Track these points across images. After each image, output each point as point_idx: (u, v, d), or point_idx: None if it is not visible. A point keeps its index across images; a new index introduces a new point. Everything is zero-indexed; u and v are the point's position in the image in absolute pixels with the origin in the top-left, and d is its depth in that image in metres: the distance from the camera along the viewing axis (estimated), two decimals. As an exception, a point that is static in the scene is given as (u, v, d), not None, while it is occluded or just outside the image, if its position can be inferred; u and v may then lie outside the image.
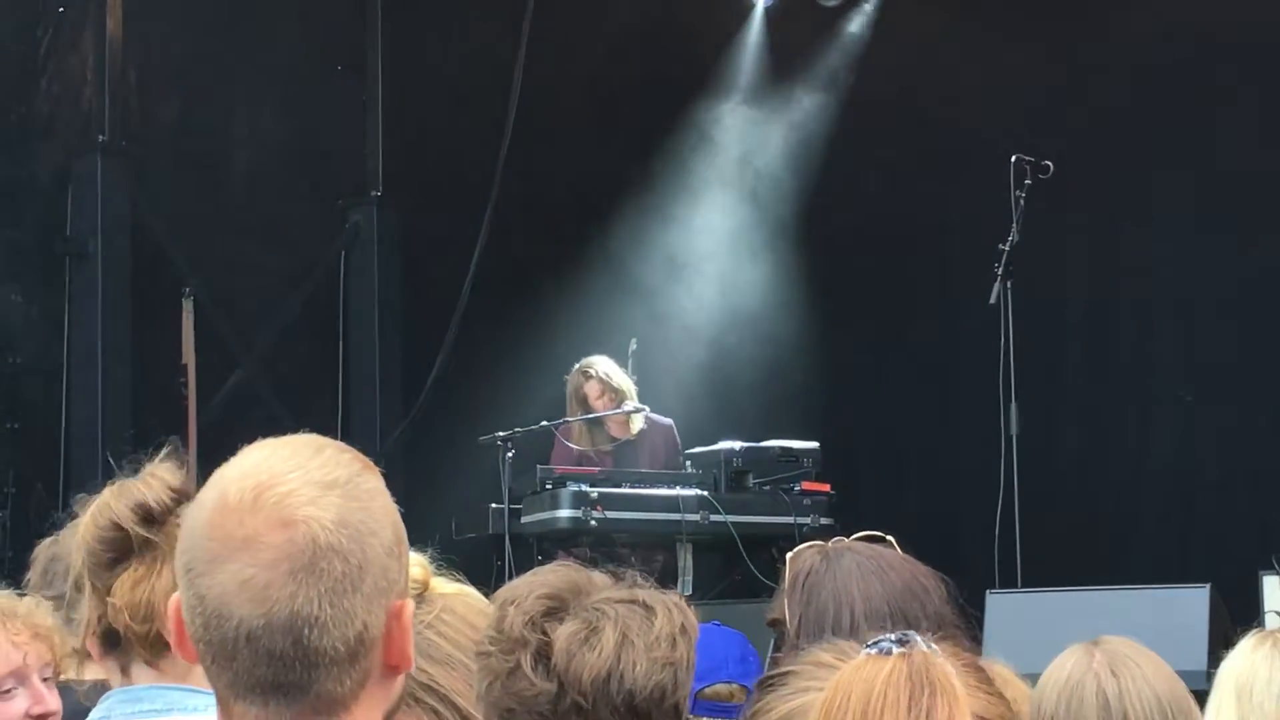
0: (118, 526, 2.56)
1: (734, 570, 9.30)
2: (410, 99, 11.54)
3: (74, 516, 2.66)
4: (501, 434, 9.21)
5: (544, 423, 9.43)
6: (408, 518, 1.87)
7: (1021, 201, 9.07)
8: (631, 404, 9.48)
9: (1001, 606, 7.72)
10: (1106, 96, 10.94)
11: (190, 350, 10.04)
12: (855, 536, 3.00)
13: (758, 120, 11.83)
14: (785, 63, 11.83)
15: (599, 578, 2.47)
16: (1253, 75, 10.47)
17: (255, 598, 1.76)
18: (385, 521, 1.83)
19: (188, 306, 10.12)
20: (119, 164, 10.54)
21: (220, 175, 11.21)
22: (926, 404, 11.47)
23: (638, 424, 9.56)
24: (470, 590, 2.57)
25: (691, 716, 2.57)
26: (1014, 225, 9.04)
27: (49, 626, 3.36)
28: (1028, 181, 9.09)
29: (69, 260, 10.46)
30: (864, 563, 2.90)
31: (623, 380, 9.49)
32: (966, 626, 2.92)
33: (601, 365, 9.47)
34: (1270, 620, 7.59)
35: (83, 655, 2.63)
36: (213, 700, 1.84)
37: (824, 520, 9.38)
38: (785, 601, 2.90)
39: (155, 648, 2.55)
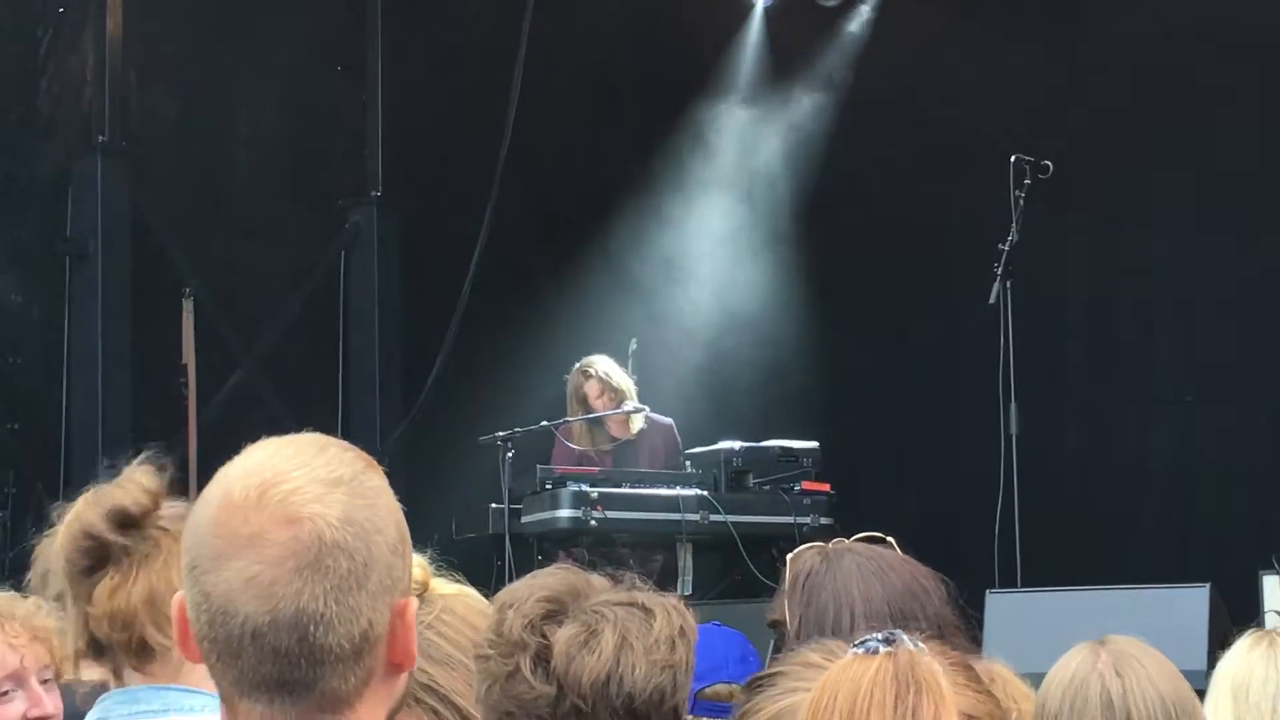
0: (91, 535, 2.54)
1: (734, 570, 9.30)
2: (410, 99, 11.54)
3: (52, 525, 2.65)
4: (501, 434, 9.21)
5: (544, 423, 9.44)
6: (408, 517, 1.87)
7: (1021, 201, 9.07)
8: (631, 404, 9.48)
9: (1001, 606, 7.72)
10: (1106, 96, 10.94)
11: (190, 350, 10.03)
12: (855, 537, 3.00)
13: (757, 120, 11.83)
14: (785, 63, 11.83)
15: (598, 580, 2.48)
16: (1253, 75, 10.47)
17: (261, 595, 1.76)
18: (389, 519, 1.83)
19: (188, 306, 10.12)
20: (119, 164, 10.54)
21: (220, 175, 11.22)
22: (926, 404, 11.47)
23: (638, 424, 9.56)
24: (470, 591, 2.57)
25: (691, 717, 2.57)
26: (1014, 225, 9.04)
27: (48, 628, 3.35)
28: (1027, 181, 9.09)
29: (69, 260, 10.47)
30: (864, 564, 2.90)
31: (623, 380, 9.49)
32: (967, 627, 2.92)
33: (601, 365, 9.47)
34: (1270, 620, 7.59)
35: (80, 656, 2.63)
36: (210, 700, 1.85)
37: (824, 520, 9.38)
38: (785, 602, 2.90)
39: (139, 654, 2.54)
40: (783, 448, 9.67)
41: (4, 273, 10.29)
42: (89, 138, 10.48)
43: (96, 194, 10.41)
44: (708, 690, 4.32)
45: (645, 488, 9.22)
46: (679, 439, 9.72)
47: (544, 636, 2.39)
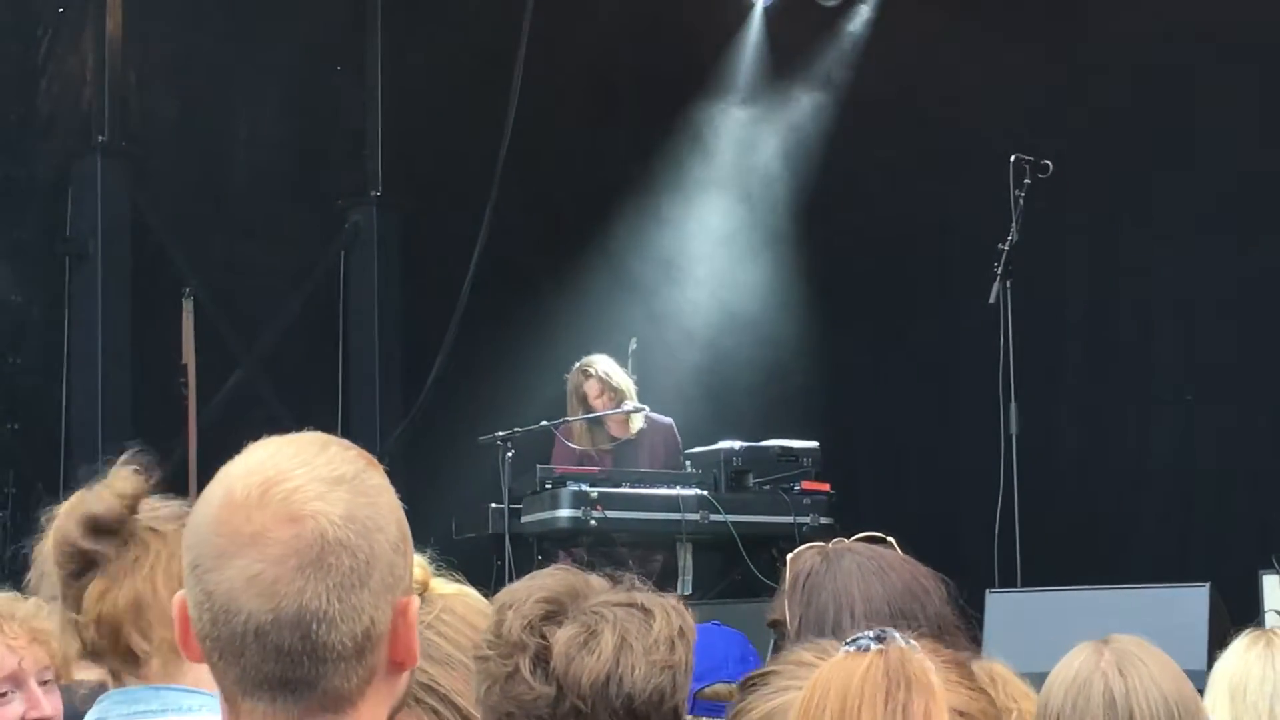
0: (69, 543, 2.54)
1: (734, 570, 9.30)
2: (410, 99, 11.53)
3: (43, 529, 2.64)
4: (501, 434, 9.21)
5: (544, 422, 9.44)
6: (408, 517, 1.87)
7: (1021, 201, 9.07)
8: (631, 403, 9.48)
9: (1001, 606, 7.72)
10: (1106, 96, 10.94)
11: (190, 350, 10.03)
12: (855, 537, 3.00)
13: (757, 120, 11.82)
14: (785, 62, 11.82)
15: (596, 581, 2.47)
16: (1253, 75, 10.46)
17: (264, 593, 1.76)
18: (391, 518, 1.83)
19: (188, 306, 10.12)
20: (118, 164, 10.54)
21: (220, 175, 11.21)
22: (926, 404, 11.47)
23: (637, 423, 9.56)
24: (470, 590, 2.57)
25: (691, 717, 2.57)
26: (1013, 225, 9.04)
27: (48, 630, 3.33)
28: (1027, 181, 9.09)
29: (69, 260, 10.47)
30: (864, 564, 2.90)
31: (622, 379, 9.49)
32: (967, 627, 2.92)
33: (601, 364, 9.47)
34: (1270, 619, 7.59)
35: (77, 658, 2.62)
36: (208, 700, 1.85)
37: (824, 520, 9.38)
38: (786, 602, 2.90)
39: (126, 660, 2.54)
40: (783, 447, 9.66)
41: (4, 273, 10.29)
42: (89, 138, 10.48)
43: (96, 194, 10.41)
44: (707, 690, 4.32)
45: (645, 487, 9.22)
46: (679, 439, 9.72)
47: (543, 637, 2.39)
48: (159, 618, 2.50)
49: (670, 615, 2.42)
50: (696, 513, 9.17)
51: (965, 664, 1.96)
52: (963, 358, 10.64)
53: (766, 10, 11.92)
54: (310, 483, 1.79)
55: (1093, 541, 10.46)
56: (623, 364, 9.60)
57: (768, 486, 9.47)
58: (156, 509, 2.59)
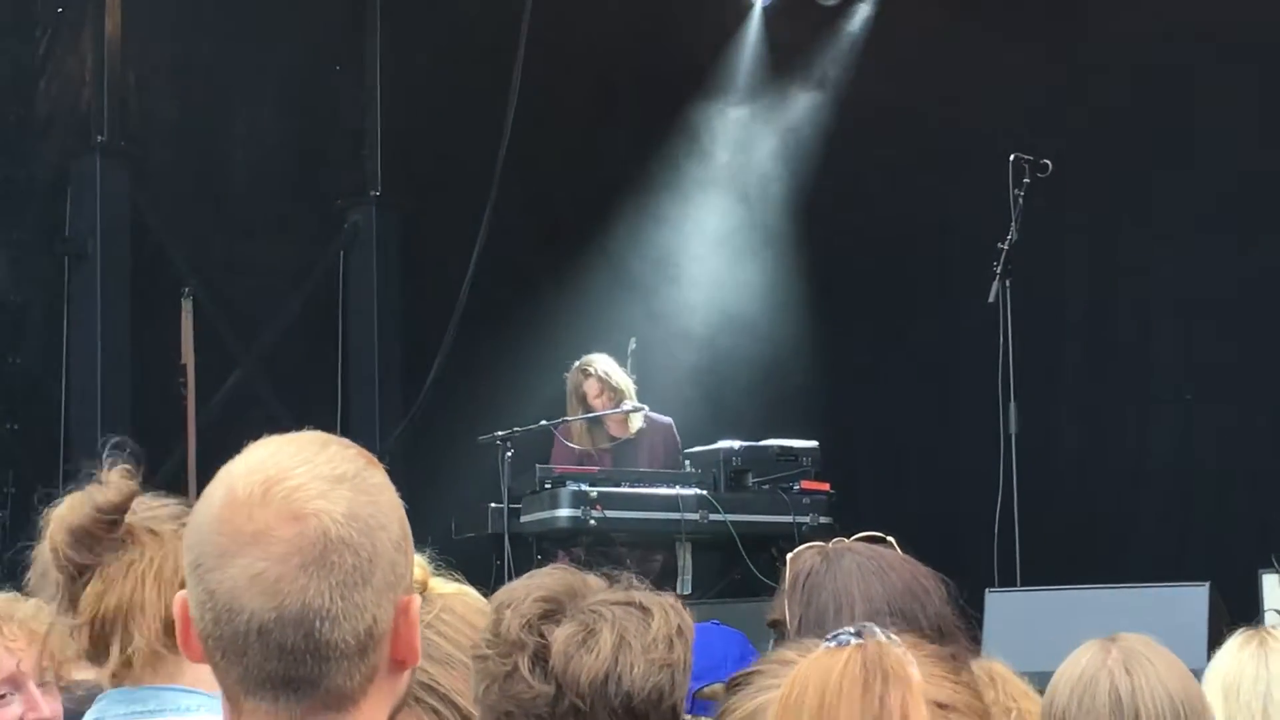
0: (55, 552, 2.54)
1: (733, 569, 9.30)
2: (410, 99, 11.53)
3: (40, 530, 2.64)
4: (501, 434, 9.22)
5: (543, 422, 9.44)
6: (408, 516, 1.87)
7: (1020, 201, 9.07)
8: (630, 403, 9.48)
9: (1001, 606, 7.72)
10: (1106, 96, 10.94)
11: (190, 350, 10.03)
12: (855, 537, 3.00)
13: (757, 119, 11.82)
14: (784, 62, 11.82)
15: (595, 580, 2.48)
16: (1253, 75, 10.46)
17: (266, 591, 1.76)
18: (393, 516, 1.83)
19: (187, 306, 10.11)
20: (118, 164, 10.54)
21: (219, 175, 11.21)
22: (926, 404, 11.47)
23: (637, 423, 9.56)
24: (469, 590, 2.57)
25: (689, 716, 2.57)
26: (1013, 224, 9.04)
27: (48, 631, 3.34)
28: (1026, 180, 9.09)
29: (68, 260, 10.47)
30: (864, 563, 2.90)
31: (622, 379, 9.49)
32: (967, 626, 2.92)
33: (600, 363, 9.47)
34: (1270, 619, 7.59)
35: (76, 659, 2.62)
36: (207, 700, 1.84)
37: (823, 519, 9.38)
38: (785, 602, 2.90)
39: (123, 661, 2.53)
40: (782, 447, 9.66)
41: (3, 273, 10.29)
42: (88, 138, 10.48)
43: (95, 194, 10.41)
44: (706, 689, 4.32)
45: (644, 487, 9.22)
46: (678, 438, 9.72)
47: (542, 636, 2.39)
48: (155, 618, 2.50)
49: (669, 614, 2.42)
50: (696, 512, 9.17)
51: (952, 658, 1.96)
52: (962, 357, 10.64)
53: (765, 10, 11.92)
54: (312, 481, 1.79)
55: (1092, 541, 10.46)
56: (622, 363, 9.60)
57: (767, 486, 9.47)
58: (155, 509, 2.59)
